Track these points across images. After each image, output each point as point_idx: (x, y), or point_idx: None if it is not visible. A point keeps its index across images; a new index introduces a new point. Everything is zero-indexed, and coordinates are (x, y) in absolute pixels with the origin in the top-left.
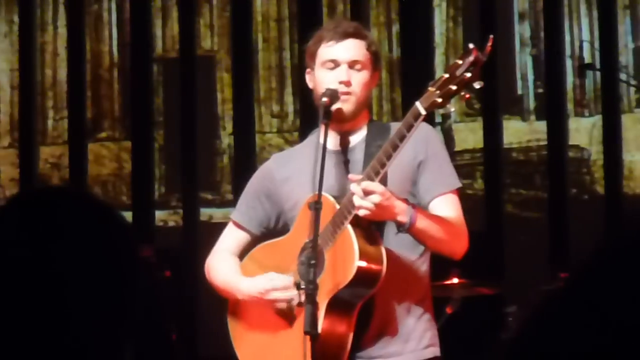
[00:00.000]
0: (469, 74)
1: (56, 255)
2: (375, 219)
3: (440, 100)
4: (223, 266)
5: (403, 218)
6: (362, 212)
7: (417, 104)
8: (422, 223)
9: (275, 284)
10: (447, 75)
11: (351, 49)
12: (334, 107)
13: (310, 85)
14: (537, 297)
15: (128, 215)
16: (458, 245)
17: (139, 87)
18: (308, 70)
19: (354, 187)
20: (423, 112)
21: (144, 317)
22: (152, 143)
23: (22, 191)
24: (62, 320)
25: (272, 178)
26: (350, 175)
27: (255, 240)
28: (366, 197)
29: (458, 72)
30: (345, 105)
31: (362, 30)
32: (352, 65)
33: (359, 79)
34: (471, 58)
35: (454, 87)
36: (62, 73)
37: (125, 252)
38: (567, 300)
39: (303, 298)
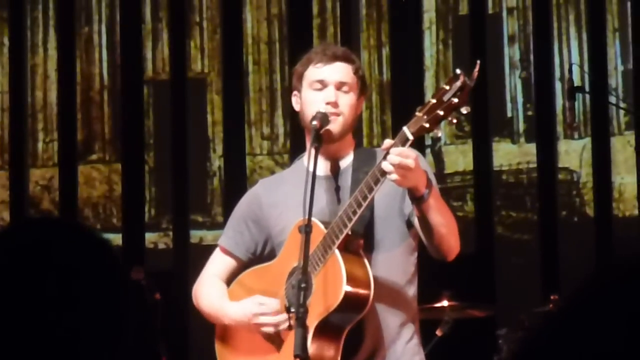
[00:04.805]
0: (456, 100)
1: (47, 285)
2: (403, 183)
3: (427, 125)
4: (210, 291)
5: (423, 189)
6: (393, 177)
7: (405, 129)
8: (435, 199)
9: (262, 308)
10: (434, 101)
11: (339, 71)
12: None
13: (296, 107)
14: (528, 319)
15: (118, 238)
16: (455, 240)
17: (129, 109)
18: (295, 92)
19: (393, 150)
20: (411, 137)
21: (135, 340)
22: (142, 165)
23: (10, 225)
24: (55, 347)
25: (259, 203)
26: (385, 144)
27: (243, 266)
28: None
29: (445, 98)
30: (333, 125)
31: (350, 54)
32: (339, 86)
33: (346, 100)
34: (458, 83)
35: (441, 113)
36: (53, 95)
37: (115, 279)
38: (558, 329)
39: (292, 322)
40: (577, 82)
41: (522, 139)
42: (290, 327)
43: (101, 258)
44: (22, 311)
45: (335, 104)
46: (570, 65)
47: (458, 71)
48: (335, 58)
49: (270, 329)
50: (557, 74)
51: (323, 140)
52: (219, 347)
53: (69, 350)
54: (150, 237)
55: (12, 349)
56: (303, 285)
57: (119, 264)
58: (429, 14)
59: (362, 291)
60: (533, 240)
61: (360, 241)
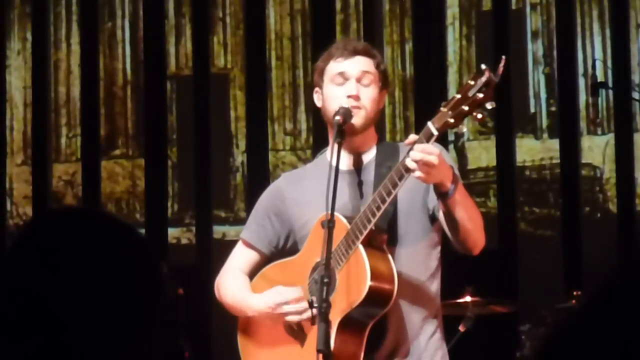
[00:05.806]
0: (481, 95)
1: (77, 275)
2: (428, 179)
3: (452, 120)
4: (233, 284)
5: (448, 184)
6: (417, 174)
7: (429, 124)
8: (461, 194)
9: (285, 297)
10: (459, 96)
11: (360, 64)
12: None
13: (318, 104)
14: (551, 315)
15: (141, 233)
16: (481, 234)
17: (152, 104)
18: (316, 89)
19: (416, 147)
20: (435, 132)
21: (162, 333)
22: (165, 160)
23: (40, 214)
24: (84, 339)
25: (282, 197)
26: (409, 139)
27: (265, 260)
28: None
29: (470, 93)
30: (355, 119)
31: (371, 49)
32: (360, 80)
33: (368, 93)
34: (484, 79)
35: (466, 108)
36: (76, 90)
37: (145, 268)
38: (580, 325)
39: (316, 316)
40: (600, 77)
41: (545, 135)
42: (313, 322)
43: (129, 246)
44: (49, 303)
45: (357, 97)
46: (594, 61)
47: (483, 67)
48: (355, 52)
49: (294, 318)
50: (581, 69)
51: (346, 134)
52: (241, 341)
53: (98, 342)
54: (173, 233)
55: (37, 342)
56: (326, 280)
57: (148, 251)
58: (452, 10)
59: (386, 286)
60: (556, 236)
61: (384, 236)
